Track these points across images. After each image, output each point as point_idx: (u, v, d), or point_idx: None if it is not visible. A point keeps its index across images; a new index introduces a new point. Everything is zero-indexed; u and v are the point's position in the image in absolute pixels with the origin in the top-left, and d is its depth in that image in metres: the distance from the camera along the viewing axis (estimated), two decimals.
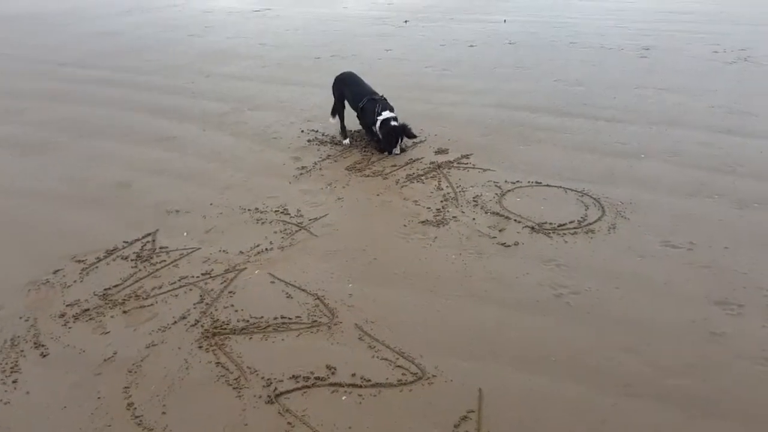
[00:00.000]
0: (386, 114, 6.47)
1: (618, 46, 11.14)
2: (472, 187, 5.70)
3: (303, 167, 6.38)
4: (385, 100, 6.69)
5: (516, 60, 10.47)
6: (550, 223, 4.94)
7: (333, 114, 7.19)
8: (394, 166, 6.30)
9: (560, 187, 5.59)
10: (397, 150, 6.54)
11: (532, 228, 4.89)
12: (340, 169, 6.31)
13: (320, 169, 6.34)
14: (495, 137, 6.99)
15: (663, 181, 5.62)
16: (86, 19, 16.75)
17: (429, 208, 5.35)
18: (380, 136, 6.55)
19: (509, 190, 5.60)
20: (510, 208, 5.25)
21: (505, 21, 14.00)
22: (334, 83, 7.15)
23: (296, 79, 9.89)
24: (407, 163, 6.34)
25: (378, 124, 6.46)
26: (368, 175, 6.11)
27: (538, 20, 14.34)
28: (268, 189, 5.92)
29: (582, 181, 5.67)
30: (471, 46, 11.80)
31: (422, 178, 5.97)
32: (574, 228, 4.86)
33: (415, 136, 6.55)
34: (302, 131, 7.51)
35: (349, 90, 6.91)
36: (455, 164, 6.26)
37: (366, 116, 6.67)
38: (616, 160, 6.13)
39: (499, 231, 4.91)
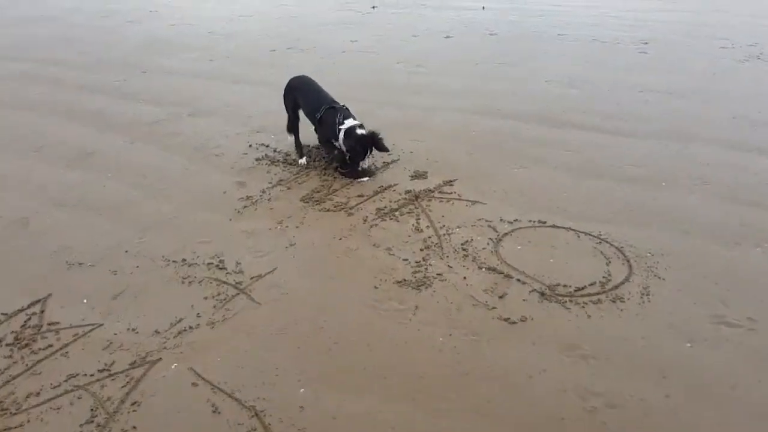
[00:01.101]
0: (350, 122, 5.33)
1: (612, 38, 10.10)
2: (459, 228, 4.55)
3: (248, 197, 5.14)
4: (347, 109, 5.44)
5: (498, 54, 9.35)
6: (565, 285, 3.83)
7: (289, 130, 5.90)
8: (361, 196, 5.13)
9: (570, 229, 4.49)
10: (365, 163, 5.46)
11: (542, 294, 3.78)
12: (294, 199, 5.10)
13: (269, 199, 5.11)
14: (481, 155, 5.89)
15: (696, 220, 4.56)
16: (12, 1, 14.97)
17: (406, 260, 4.18)
18: (344, 149, 5.35)
19: (506, 233, 4.47)
20: (510, 260, 4.13)
21: (483, 8, 12.85)
22: (285, 91, 5.92)
23: (247, 76, 8.61)
24: (377, 192, 5.18)
25: (341, 134, 5.22)
26: (329, 209, 4.92)
27: (519, 7, 13.20)
28: (201, 229, 4.76)
29: (595, 220, 4.58)
30: (447, 37, 10.63)
31: (396, 213, 4.82)
32: (597, 293, 3.78)
33: (386, 150, 5.44)
34: (250, 145, 6.27)
35: (304, 98, 5.69)
36: (436, 194, 5.13)
37: (325, 128, 5.51)
38: (632, 190, 5.07)
39: (499, 297, 3.78)
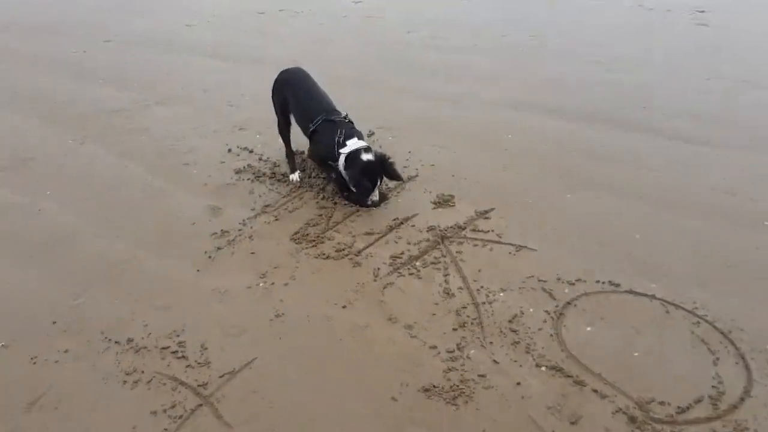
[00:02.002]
0: (353, 144, 4.19)
1: (661, 5, 8.60)
2: (503, 291, 3.41)
3: (223, 232, 3.99)
4: (350, 123, 4.38)
5: (528, 22, 7.91)
6: (662, 403, 2.76)
7: (281, 134, 4.81)
8: (371, 233, 4.02)
9: (654, 297, 3.30)
10: (375, 196, 4.25)
11: (632, 419, 2.63)
12: (282, 237, 3.97)
13: (250, 237, 3.95)
14: (522, 171, 4.76)
15: None
16: None
17: (435, 347, 3.07)
18: (346, 179, 4.20)
19: (569, 303, 3.31)
20: (579, 351, 3.04)
21: None
22: (273, 88, 4.65)
23: (229, 48, 7.27)
24: (391, 228, 4.09)
25: (342, 159, 4.09)
26: (328, 255, 3.77)
27: None
28: (159, 285, 3.67)
29: (688, 281, 3.53)
30: None
31: (417, 265, 3.71)
32: (708, 419, 2.61)
33: (400, 179, 4.34)
34: (229, 150, 5.05)
35: (296, 101, 4.50)
36: (468, 232, 3.95)
37: (320, 146, 4.37)
38: (731, 232, 3.93)
39: (571, 423, 2.65)
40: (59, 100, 6.17)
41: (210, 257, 3.86)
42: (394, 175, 4.22)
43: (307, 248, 3.92)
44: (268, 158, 5.06)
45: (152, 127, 5.64)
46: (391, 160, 4.19)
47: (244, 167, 4.92)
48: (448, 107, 5.88)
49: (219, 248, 3.95)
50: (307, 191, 4.57)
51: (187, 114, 5.92)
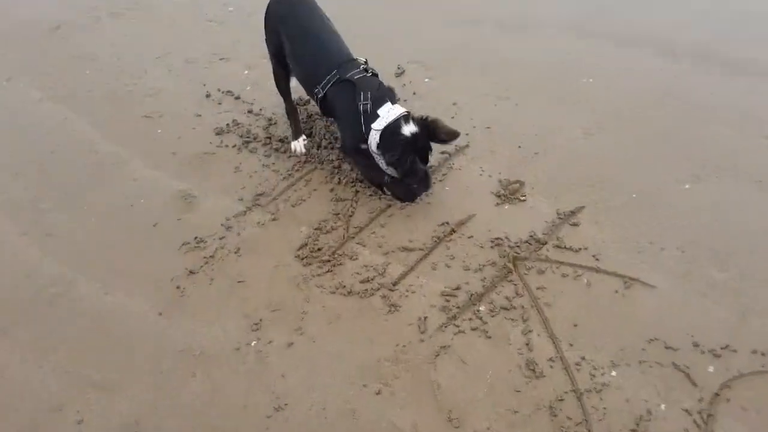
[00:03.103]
0: (388, 111, 2.87)
1: None
2: (615, 367, 2.37)
3: (198, 241, 2.83)
4: (378, 79, 3.00)
5: None
6: None
7: (280, 88, 3.42)
8: (409, 248, 2.91)
9: None
10: (427, 184, 3.04)
11: None
12: (284, 252, 2.91)
13: (237, 251, 2.88)
14: (617, 140, 3.53)
15: None
16: None
17: None
18: (383, 166, 2.97)
19: (717, 394, 2.13)
20: None
21: None
22: (266, 22, 3.20)
23: None
24: (439, 240, 2.97)
25: (374, 136, 2.86)
26: (350, 290, 2.69)
27: None
28: (99, 340, 2.57)
29: None
30: None
31: (481, 312, 2.57)
32: None
33: (455, 135, 2.95)
34: (207, 94, 3.87)
35: (294, 45, 3.16)
36: (551, 251, 2.77)
37: (341, 120, 3.09)
38: None
39: None
40: None
41: (179, 288, 2.63)
42: (448, 136, 2.91)
43: (319, 274, 2.70)
44: (261, 110, 3.71)
45: (102, 54, 4.24)
46: (442, 124, 2.90)
47: (227, 125, 3.60)
48: (504, 33, 4.40)
49: (191, 272, 2.74)
50: (316, 168, 3.29)
51: (151, 33, 4.49)
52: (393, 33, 4.43)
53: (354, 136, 2.94)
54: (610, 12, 4.65)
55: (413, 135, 2.80)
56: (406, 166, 2.80)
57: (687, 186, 3.16)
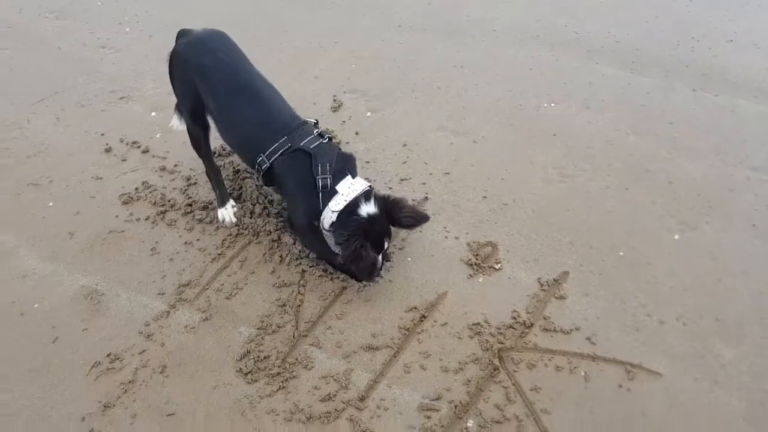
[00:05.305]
0: (348, 188, 2.52)
1: None
2: None
3: (113, 360, 2.52)
4: (329, 141, 2.63)
5: None
6: None
7: (196, 148, 2.92)
8: (373, 346, 2.55)
9: None
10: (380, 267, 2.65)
11: None
12: (222, 368, 2.52)
13: (162, 370, 2.46)
14: (594, 181, 3.27)
15: None
16: None
17: None
18: (335, 247, 2.59)
19: None
20: None
21: None
22: (173, 66, 2.79)
23: None
24: (408, 331, 2.60)
25: (330, 218, 2.50)
26: (311, 415, 2.31)
27: None
28: None
29: None
30: None
31: (467, 426, 2.29)
32: None
33: (424, 220, 2.62)
34: (108, 147, 3.31)
35: (221, 103, 2.64)
36: (539, 337, 2.57)
37: (293, 196, 2.68)
38: None
39: None
40: None
41: None
42: (413, 221, 2.58)
43: (269, 394, 2.27)
44: (176, 166, 3.18)
45: None
46: (401, 203, 2.55)
47: (136, 189, 3.06)
48: (448, 45, 3.99)
49: (106, 406, 2.22)
50: (250, 243, 2.83)
51: (31, 67, 3.80)
52: (322, 54, 3.95)
53: (308, 213, 2.53)
54: (573, 21, 4.32)
55: (370, 217, 2.40)
56: (349, 252, 2.40)
57: (677, 236, 2.87)
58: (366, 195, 2.48)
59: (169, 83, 2.80)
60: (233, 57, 2.62)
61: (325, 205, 2.47)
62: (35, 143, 3.33)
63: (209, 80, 2.56)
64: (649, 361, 2.42)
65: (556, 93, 3.73)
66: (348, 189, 2.48)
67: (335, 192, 2.47)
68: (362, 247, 2.39)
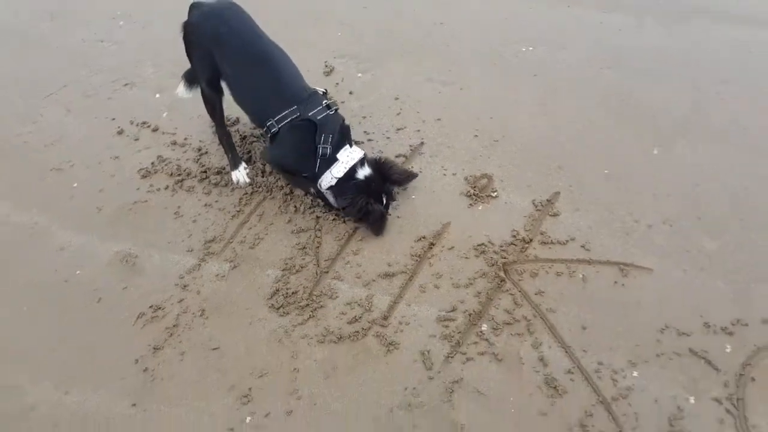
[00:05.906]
0: (347, 156, 2.81)
1: None
2: (634, 366, 2.44)
3: (155, 310, 2.76)
4: (336, 110, 2.87)
5: None
6: None
7: (212, 115, 3.16)
8: (390, 273, 2.79)
9: None
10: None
11: None
12: (255, 305, 2.77)
13: (202, 312, 2.68)
14: (575, 110, 3.56)
15: None
16: None
17: None
18: (341, 207, 2.89)
19: (741, 374, 2.21)
20: None
21: None
22: (188, 36, 2.98)
23: None
24: (420, 258, 2.85)
25: (329, 182, 2.81)
26: (340, 336, 2.64)
27: None
28: None
29: None
30: None
31: (485, 331, 2.60)
32: None
33: (412, 177, 3.04)
34: (120, 130, 3.53)
35: (237, 70, 2.87)
36: (538, 249, 2.85)
37: (290, 151, 2.87)
38: None
39: None
40: None
41: (147, 371, 2.40)
42: (402, 178, 2.96)
43: (301, 323, 2.53)
44: (186, 139, 3.42)
45: None
46: (396, 169, 2.93)
47: (152, 164, 3.31)
48: (427, 5, 4.27)
49: (156, 348, 2.48)
50: (265, 199, 3.08)
51: (34, 65, 4.03)
52: (310, 25, 4.19)
53: (296, 166, 2.87)
54: None
55: (366, 178, 2.80)
56: (355, 210, 2.77)
57: (656, 151, 3.15)
58: (361, 161, 2.79)
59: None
60: (247, 26, 2.85)
61: (324, 170, 2.76)
62: (51, 134, 3.56)
63: (225, 48, 2.78)
64: (641, 260, 2.69)
65: (533, 37, 3.98)
66: (347, 157, 2.78)
67: (335, 160, 2.77)
68: (367, 204, 2.68)
